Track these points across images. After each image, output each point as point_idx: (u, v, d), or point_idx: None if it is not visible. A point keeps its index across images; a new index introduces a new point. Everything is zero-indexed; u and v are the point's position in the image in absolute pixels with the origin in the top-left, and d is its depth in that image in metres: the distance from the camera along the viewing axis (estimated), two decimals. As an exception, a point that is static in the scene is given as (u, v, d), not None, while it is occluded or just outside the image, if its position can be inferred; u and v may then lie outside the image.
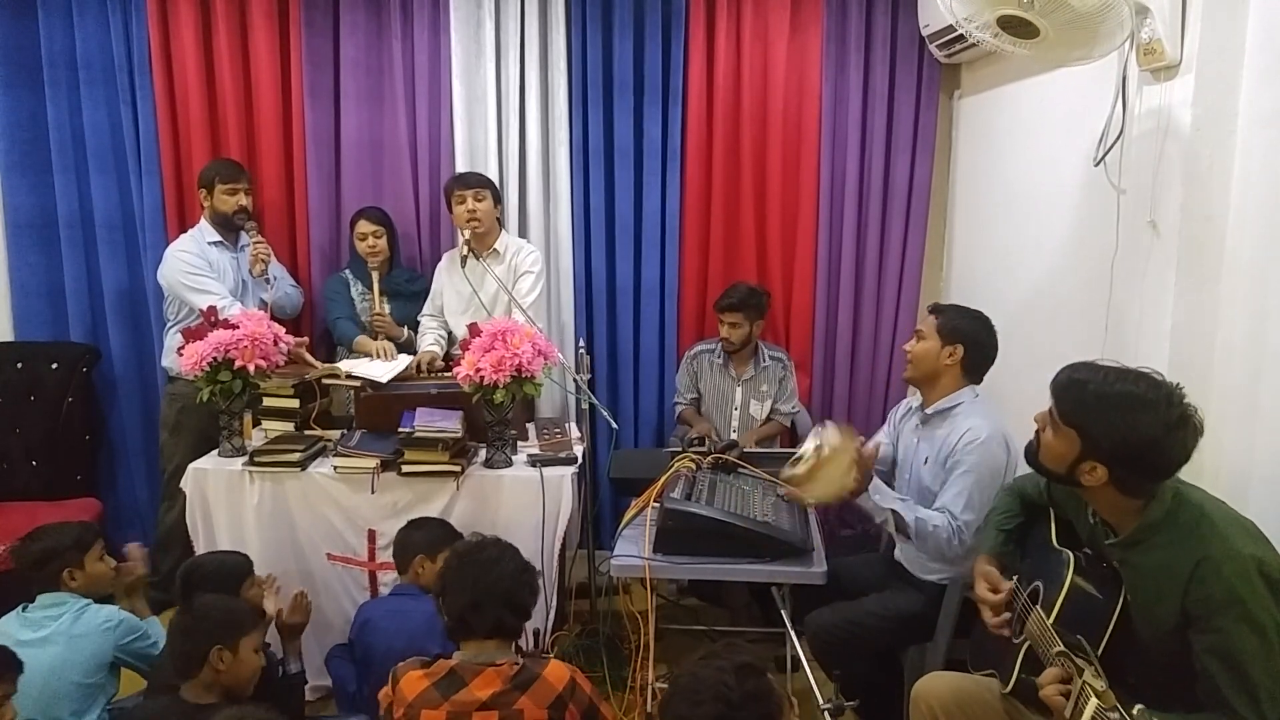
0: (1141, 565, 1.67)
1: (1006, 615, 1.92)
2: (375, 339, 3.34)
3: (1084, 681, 1.49)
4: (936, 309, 2.52)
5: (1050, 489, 2.00)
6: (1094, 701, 1.44)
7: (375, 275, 3.39)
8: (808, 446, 2.33)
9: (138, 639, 2.27)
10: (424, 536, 2.51)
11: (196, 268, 3.19)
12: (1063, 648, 1.62)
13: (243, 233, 3.31)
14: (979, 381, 2.47)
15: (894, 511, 2.35)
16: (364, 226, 3.37)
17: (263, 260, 3.23)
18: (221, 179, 3.26)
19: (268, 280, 3.29)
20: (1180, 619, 1.59)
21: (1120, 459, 1.61)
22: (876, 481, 2.37)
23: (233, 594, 2.25)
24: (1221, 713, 1.52)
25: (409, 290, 3.48)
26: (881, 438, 2.69)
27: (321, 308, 3.58)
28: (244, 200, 3.26)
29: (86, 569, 2.29)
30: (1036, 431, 1.78)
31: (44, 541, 2.27)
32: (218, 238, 3.29)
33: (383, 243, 3.38)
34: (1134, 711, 1.39)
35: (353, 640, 2.48)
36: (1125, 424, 1.59)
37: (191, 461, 2.84)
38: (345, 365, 3.01)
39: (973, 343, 2.43)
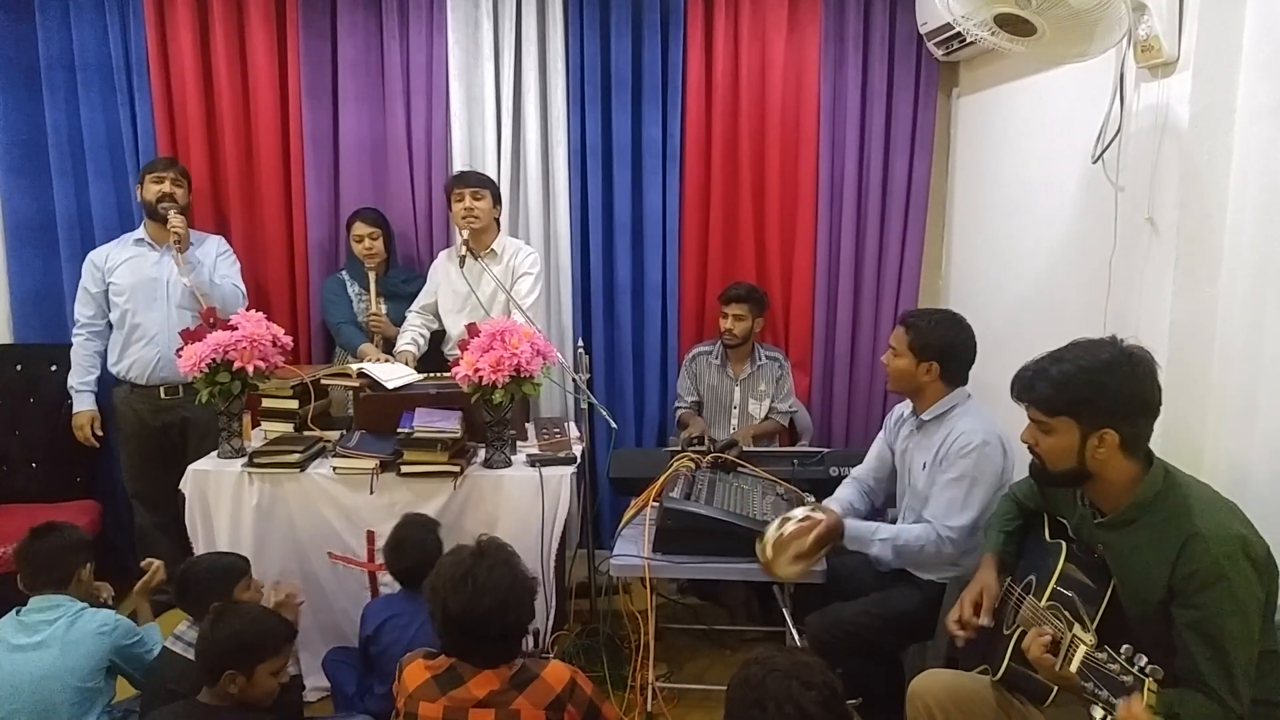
0: (1129, 544, 1.70)
1: (963, 633, 1.95)
2: (372, 339, 3.35)
3: (1073, 635, 1.54)
4: (905, 320, 2.47)
5: (1043, 490, 2.01)
6: (1083, 649, 1.49)
7: (372, 276, 3.39)
8: (770, 529, 2.36)
9: (135, 644, 2.24)
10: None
11: (84, 281, 3.26)
12: (1051, 603, 1.66)
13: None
14: (965, 382, 2.46)
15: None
16: (360, 228, 3.37)
17: (176, 233, 3.13)
18: (148, 170, 3.24)
19: (189, 263, 3.20)
20: (1166, 594, 1.61)
21: (1118, 413, 1.65)
22: (849, 530, 2.38)
23: (227, 595, 2.23)
24: (1197, 687, 1.54)
25: (406, 291, 3.47)
26: (879, 445, 2.70)
27: (319, 308, 3.58)
28: (169, 188, 3.19)
29: (89, 570, 2.28)
30: (1030, 449, 1.79)
31: (65, 535, 2.24)
32: (143, 235, 3.28)
33: (379, 244, 3.38)
34: (1121, 649, 1.44)
35: (368, 638, 2.43)
36: (1103, 380, 1.64)
37: (133, 471, 3.12)
38: (358, 365, 3.01)
39: (948, 355, 2.41)
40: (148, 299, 3.23)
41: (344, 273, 3.51)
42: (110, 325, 3.29)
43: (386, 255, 3.45)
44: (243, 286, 3.36)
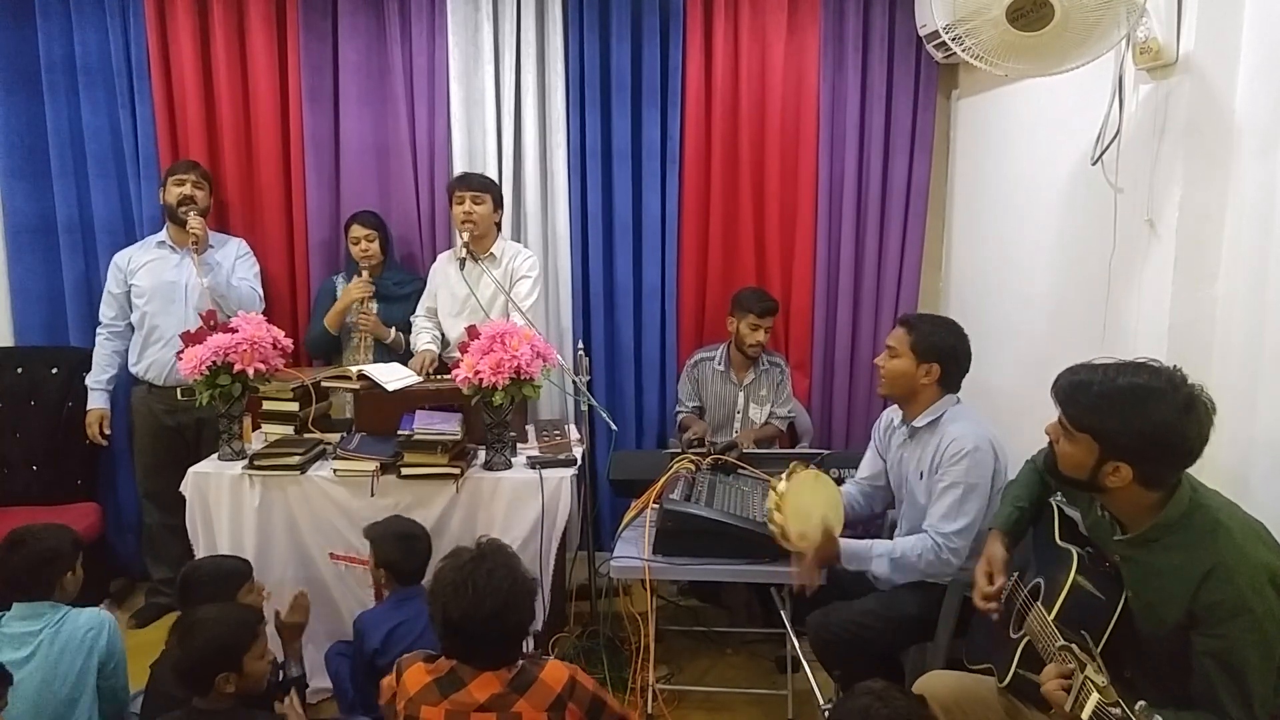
0: (1149, 564, 1.66)
1: (994, 605, 1.95)
2: (361, 338, 3.37)
3: (1085, 677, 1.50)
4: (906, 322, 2.45)
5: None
6: (1095, 696, 1.44)
7: (366, 277, 3.38)
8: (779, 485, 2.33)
9: (117, 646, 2.22)
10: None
11: (108, 283, 3.33)
12: (1065, 643, 1.62)
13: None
14: (957, 390, 2.45)
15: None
16: (357, 230, 3.38)
17: (194, 234, 3.18)
18: (171, 172, 3.28)
19: (207, 265, 3.23)
20: (1184, 620, 1.59)
21: (1141, 454, 1.59)
22: (845, 550, 2.35)
23: (229, 598, 2.21)
24: (1214, 712, 1.53)
25: (398, 293, 3.47)
26: (870, 454, 2.68)
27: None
28: (190, 191, 3.23)
29: (76, 574, 2.25)
30: (1050, 443, 1.76)
31: (45, 541, 2.20)
32: (165, 238, 3.32)
33: (375, 246, 3.39)
34: (1135, 708, 1.39)
35: (377, 650, 2.35)
36: (1137, 417, 1.57)
37: (147, 470, 3.21)
38: (357, 367, 3.01)
39: (950, 359, 2.39)
40: (166, 301, 3.26)
41: (337, 277, 3.52)
42: (132, 326, 3.34)
43: (384, 257, 3.45)
44: (260, 290, 3.39)
